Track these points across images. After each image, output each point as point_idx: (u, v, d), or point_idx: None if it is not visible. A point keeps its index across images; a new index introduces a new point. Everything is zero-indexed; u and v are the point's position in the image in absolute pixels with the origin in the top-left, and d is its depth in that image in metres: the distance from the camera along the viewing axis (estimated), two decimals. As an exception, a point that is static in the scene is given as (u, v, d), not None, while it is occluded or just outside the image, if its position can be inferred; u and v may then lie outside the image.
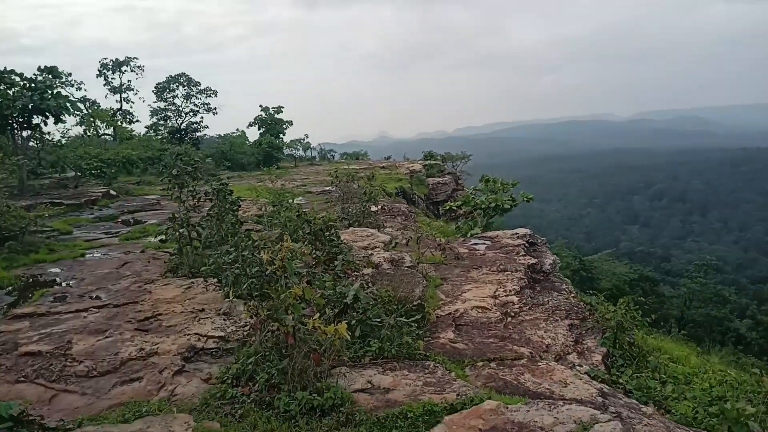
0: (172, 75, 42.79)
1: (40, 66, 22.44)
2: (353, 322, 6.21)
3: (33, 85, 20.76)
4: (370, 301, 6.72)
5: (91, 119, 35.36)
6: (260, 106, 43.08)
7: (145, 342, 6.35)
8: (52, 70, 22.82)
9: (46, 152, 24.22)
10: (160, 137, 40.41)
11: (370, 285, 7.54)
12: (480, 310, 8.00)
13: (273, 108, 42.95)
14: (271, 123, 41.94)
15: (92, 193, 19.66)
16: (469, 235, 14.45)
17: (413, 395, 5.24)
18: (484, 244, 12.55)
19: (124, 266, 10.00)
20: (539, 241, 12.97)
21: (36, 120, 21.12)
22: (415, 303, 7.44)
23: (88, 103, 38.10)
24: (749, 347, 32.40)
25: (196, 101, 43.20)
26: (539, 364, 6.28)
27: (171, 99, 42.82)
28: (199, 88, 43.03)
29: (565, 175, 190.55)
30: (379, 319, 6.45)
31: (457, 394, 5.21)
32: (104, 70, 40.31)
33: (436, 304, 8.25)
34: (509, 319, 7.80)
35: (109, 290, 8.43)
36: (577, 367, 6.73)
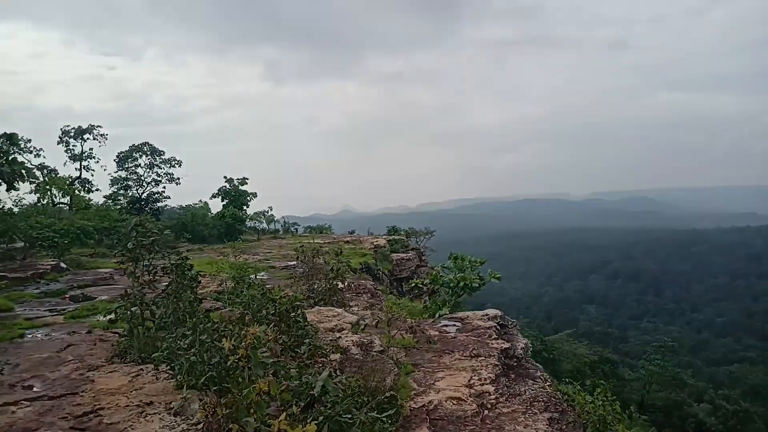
0: (136, 144, 42.37)
1: (-2, 132, 21.79)
2: (321, 418, 5.64)
3: (-13, 150, 20.00)
4: (339, 393, 6.18)
5: (47, 187, 34.15)
6: (225, 177, 42.96)
7: (82, 443, 5.56)
8: (11, 137, 22.06)
9: (-7, 220, 22.90)
10: (119, 207, 39.22)
11: (338, 373, 7.00)
12: (455, 402, 7.50)
13: (237, 179, 42.85)
14: (235, 194, 41.66)
15: (41, 266, 18.39)
16: (437, 315, 14.05)
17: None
18: (455, 326, 12.17)
19: (66, 349, 9.07)
20: (510, 323, 12.68)
21: (-13, 186, 20.14)
22: (387, 394, 6.89)
23: (45, 171, 37.01)
24: (708, 434, 32.29)
25: (159, 171, 42.64)
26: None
27: (133, 168, 42.11)
28: (163, 157, 42.57)
29: (525, 252, 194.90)
30: (349, 415, 5.88)
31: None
32: (65, 137, 39.51)
33: (409, 394, 7.71)
34: (486, 411, 7.32)
35: (45, 378, 7.53)
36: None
